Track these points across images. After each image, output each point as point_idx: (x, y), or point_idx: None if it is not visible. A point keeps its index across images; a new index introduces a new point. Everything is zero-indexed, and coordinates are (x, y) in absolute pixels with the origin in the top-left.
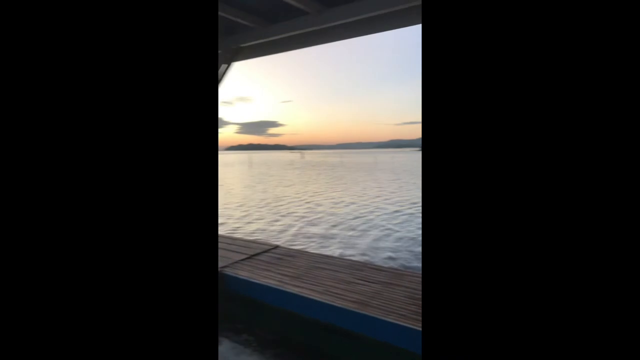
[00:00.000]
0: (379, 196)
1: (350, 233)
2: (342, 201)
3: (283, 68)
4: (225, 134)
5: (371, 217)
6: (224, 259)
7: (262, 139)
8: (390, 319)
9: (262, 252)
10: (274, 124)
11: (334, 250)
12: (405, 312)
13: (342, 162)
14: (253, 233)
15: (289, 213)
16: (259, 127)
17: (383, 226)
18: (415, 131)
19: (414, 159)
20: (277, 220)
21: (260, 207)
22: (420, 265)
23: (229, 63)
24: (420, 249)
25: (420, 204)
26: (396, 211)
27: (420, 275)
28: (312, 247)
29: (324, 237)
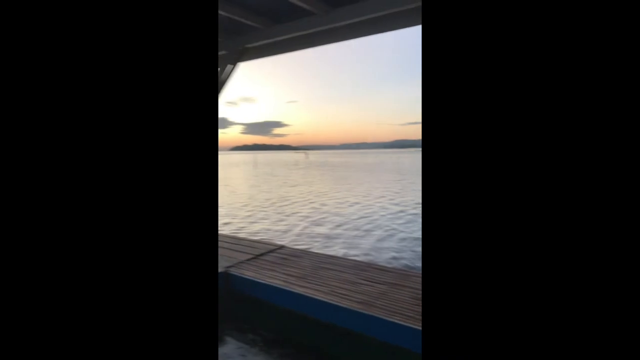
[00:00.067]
0: (383, 196)
1: (355, 233)
2: (347, 201)
3: (287, 69)
4: (230, 134)
5: (375, 217)
6: (229, 259)
7: (266, 139)
8: (395, 319)
9: (267, 252)
10: (278, 124)
11: (337, 250)
12: (411, 313)
13: (347, 162)
14: (257, 233)
15: (293, 213)
16: (264, 127)
17: (387, 226)
18: (420, 131)
19: (419, 159)
20: (281, 220)
21: (265, 207)
22: None
23: (234, 63)
24: None
25: None
26: (400, 211)
27: None
28: (316, 247)
29: (328, 237)
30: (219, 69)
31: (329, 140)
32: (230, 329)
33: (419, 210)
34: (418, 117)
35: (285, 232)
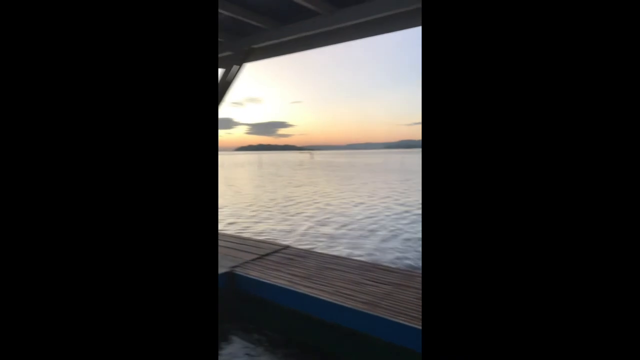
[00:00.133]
0: (388, 196)
1: (359, 233)
2: (352, 201)
3: (292, 69)
4: (236, 135)
5: (380, 217)
6: (235, 259)
7: (271, 140)
8: (400, 320)
9: (272, 252)
10: (283, 125)
11: (341, 250)
12: (416, 314)
13: (352, 162)
14: (262, 233)
15: (297, 213)
16: (269, 127)
17: (392, 226)
18: None
19: None
20: (285, 220)
21: (270, 207)
22: None
23: (240, 64)
24: None
25: None
26: (405, 212)
27: None
28: (320, 247)
29: (332, 237)
30: (224, 69)
31: (334, 141)
32: (236, 328)
33: None
34: None
35: (290, 232)
